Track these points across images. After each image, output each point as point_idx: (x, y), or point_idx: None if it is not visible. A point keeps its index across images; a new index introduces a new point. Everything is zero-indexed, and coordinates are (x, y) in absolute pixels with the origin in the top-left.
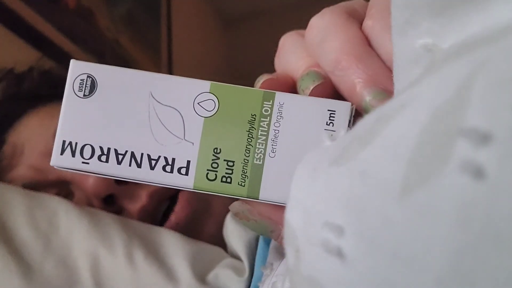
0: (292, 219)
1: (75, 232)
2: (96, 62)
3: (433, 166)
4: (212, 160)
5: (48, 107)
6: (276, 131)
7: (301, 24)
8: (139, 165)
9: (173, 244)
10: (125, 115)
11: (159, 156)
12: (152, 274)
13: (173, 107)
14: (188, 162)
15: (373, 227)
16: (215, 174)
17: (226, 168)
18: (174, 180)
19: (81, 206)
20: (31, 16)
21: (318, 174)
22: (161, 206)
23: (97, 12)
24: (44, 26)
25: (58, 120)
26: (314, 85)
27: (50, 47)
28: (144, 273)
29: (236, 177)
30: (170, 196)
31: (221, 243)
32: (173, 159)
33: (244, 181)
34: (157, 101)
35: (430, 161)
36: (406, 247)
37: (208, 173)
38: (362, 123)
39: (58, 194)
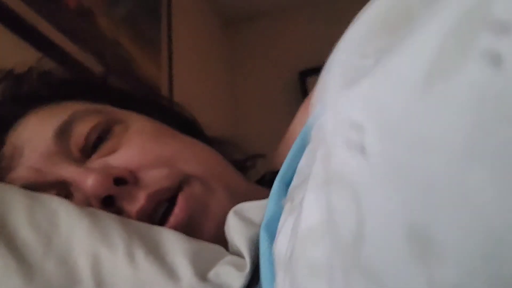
0: (325, 123)
1: (76, 232)
2: (96, 62)
3: (456, 58)
4: None
5: (48, 108)
6: None
7: (301, 25)
8: None
9: (173, 243)
10: None
11: None
12: (153, 272)
13: None
14: None
15: (393, 120)
16: None
17: None
18: None
19: (81, 206)
20: (31, 16)
21: (348, 80)
22: (160, 208)
23: (98, 13)
24: (45, 26)
25: (59, 118)
26: None
27: (50, 47)
28: (145, 271)
29: None
30: (168, 197)
31: (220, 244)
32: None
33: None
34: None
35: (454, 54)
36: (425, 133)
37: None
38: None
39: (57, 195)
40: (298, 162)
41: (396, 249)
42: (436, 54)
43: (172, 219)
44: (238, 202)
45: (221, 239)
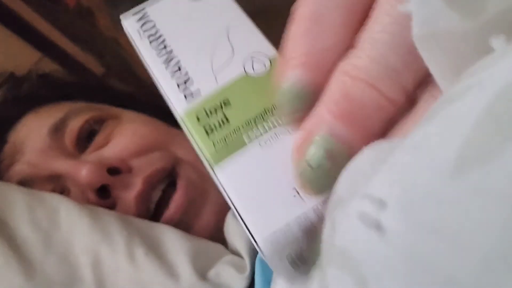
0: (340, 187)
1: (76, 230)
2: (96, 61)
3: (493, 144)
4: (215, 106)
5: (47, 108)
6: (287, 133)
7: None
8: (167, 64)
9: (173, 241)
10: (202, 17)
11: (183, 68)
12: (153, 270)
13: (232, 47)
14: (198, 91)
15: (419, 203)
16: (205, 119)
17: (218, 121)
18: (172, 94)
19: (81, 204)
20: (30, 15)
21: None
22: (157, 190)
23: (97, 12)
24: (43, 26)
25: (55, 116)
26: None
27: (50, 47)
28: (145, 269)
29: (217, 135)
30: (164, 177)
31: (220, 234)
32: (189, 79)
33: (219, 144)
34: (227, 35)
35: (490, 139)
36: (453, 225)
37: (201, 112)
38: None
39: (53, 190)
40: None
41: None
42: (470, 134)
43: (173, 205)
44: None
45: (220, 228)
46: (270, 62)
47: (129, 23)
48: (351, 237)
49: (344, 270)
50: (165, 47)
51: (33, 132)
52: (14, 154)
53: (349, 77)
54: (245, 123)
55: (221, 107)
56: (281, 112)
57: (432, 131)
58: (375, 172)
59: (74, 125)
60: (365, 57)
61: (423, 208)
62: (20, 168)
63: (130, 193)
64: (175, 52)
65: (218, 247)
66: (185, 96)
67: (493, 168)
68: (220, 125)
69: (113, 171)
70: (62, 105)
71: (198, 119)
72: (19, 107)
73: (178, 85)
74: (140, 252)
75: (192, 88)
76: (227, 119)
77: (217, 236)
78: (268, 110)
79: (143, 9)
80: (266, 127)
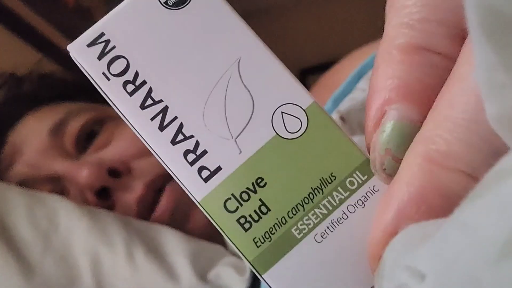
0: (387, 257)
1: (75, 231)
2: None
3: None
4: (246, 188)
5: (47, 108)
6: (344, 217)
7: (302, 23)
8: (162, 127)
9: (173, 242)
10: (194, 55)
11: (192, 136)
12: (153, 272)
13: (250, 94)
14: (218, 168)
15: (457, 282)
16: (236, 207)
17: (255, 211)
18: (186, 175)
19: (81, 205)
20: (29, 14)
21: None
22: (159, 196)
23: (96, 11)
24: (42, 25)
25: (55, 117)
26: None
27: (48, 46)
28: (145, 271)
29: (258, 230)
30: (165, 181)
31: (218, 235)
32: (204, 152)
33: (263, 242)
34: (239, 73)
35: None
36: None
37: (229, 199)
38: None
39: (52, 191)
40: None
41: None
42: None
43: (159, 208)
44: None
45: (216, 231)
46: (307, 116)
47: (87, 61)
48: None
49: None
50: (149, 93)
51: (33, 133)
52: (14, 154)
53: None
54: (292, 210)
55: (254, 189)
56: (376, 163)
57: (483, 209)
58: (419, 245)
59: (74, 126)
60: (451, 139)
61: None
62: (19, 169)
63: (131, 195)
64: (167, 102)
65: (218, 248)
66: (201, 177)
67: None
68: (258, 216)
69: (113, 172)
70: (62, 106)
71: (226, 209)
72: (19, 107)
73: (186, 159)
74: (139, 253)
75: (208, 162)
76: (266, 206)
77: (216, 237)
78: (318, 188)
79: (101, 34)
80: (319, 213)
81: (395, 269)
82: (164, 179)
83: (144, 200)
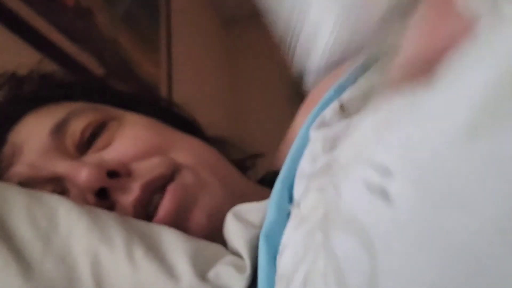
0: (341, 153)
1: (75, 230)
2: (95, 61)
3: (503, 113)
4: None
5: (47, 108)
6: None
7: None
8: None
9: (173, 242)
10: None
11: None
12: (153, 271)
13: None
14: None
15: (428, 172)
16: None
17: None
18: None
19: (80, 205)
20: (29, 15)
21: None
22: (155, 198)
23: (96, 12)
24: (43, 26)
25: (56, 117)
26: None
27: (49, 47)
28: (144, 270)
29: None
30: (163, 183)
31: (217, 237)
32: None
33: None
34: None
35: (500, 108)
36: (463, 194)
37: None
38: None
39: (53, 191)
40: (298, 164)
41: None
42: (481, 105)
43: (161, 210)
44: (236, 198)
45: (217, 232)
46: None
47: None
48: (357, 204)
49: (350, 233)
50: None
51: (33, 133)
52: (14, 154)
53: None
54: None
55: None
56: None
57: (444, 98)
58: (379, 138)
59: (76, 127)
60: None
61: (433, 178)
62: (20, 169)
63: (128, 197)
64: None
65: (218, 247)
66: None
67: (502, 139)
68: None
69: (112, 174)
70: (63, 106)
71: None
72: (20, 107)
73: None
74: (139, 253)
75: None
76: None
77: (215, 238)
78: None
79: None
80: None
81: (356, 164)
82: (164, 180)
83: (140, 202)
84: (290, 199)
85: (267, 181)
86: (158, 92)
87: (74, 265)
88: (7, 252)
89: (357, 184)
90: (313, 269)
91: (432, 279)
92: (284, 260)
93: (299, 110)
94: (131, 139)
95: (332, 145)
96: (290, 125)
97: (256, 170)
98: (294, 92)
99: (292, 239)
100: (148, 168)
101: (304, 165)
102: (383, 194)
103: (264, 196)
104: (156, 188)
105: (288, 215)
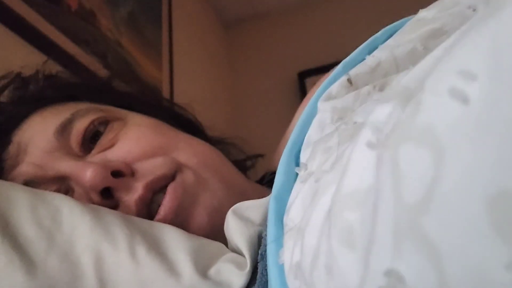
0: (421, 69)
1: (78, 228)
2: (98, 63)
3: None
4: None
5: (52, 108)
6: None
7: (300, 26)
8: None
9: (174, 239)
10: None
11: None
12: (154, 268)
13: None
14: None
15: (510, 72)
16: None
17: None
18: None
19: (84, 203)
20: (33, 17)
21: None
22: (158, 197)
23: (99, 14)
24: (47, 28)
25: (61, 117)
26: None
27: (52, 49)
28: (147, 267)
29: None
30: (165, 186)
31: (218, 235)
32: None
33: None
34: None
35: None
36: None
37: None
38: None
39: (58, 190)
40: (305, 132)
41: (471, 220)
42: None
43: (162, 208)
44: (236, 197)
45: (218, 230)
46: None
47: None
48: (437, 112)
49: (422, 145)
50: None
51: (38, 133)
52: (19, 154)
53: None
54: None
55: None
56: None
57: None
58: (463, 44)
59: (80, 126)
60: None
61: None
62: (25, 168)
63: (131, 196)
64: None
65: (219, 245)
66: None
67: None
68: None
69: (117, 173)
70: (68, 106)
71: None
72: (25, 107)
73: None
74: (141, 250)
75: None
76: None
77: (216, 236)
78: None
79: None
80: None
81: (442, 74)
82: (167, 180)
83: (143, 201)
84: (298, 165)
85: (266, 181)
86: (160, 93)
87: (77, 262)
88: (11, 250)
89: (443, 93)
90: (349, 187)
91: (497, 179)
92: (292, 214)
93: (298, 109)
94: (134, 140)
95: (341, 115)
96: (288, 125)
97: (255, 170)
98: (293, 92)
99: (300, 192)
100: (151, 168)
101: (312, 133)
102: (464, 98)
103: (264, 195)
104: (158, 187)
105: (295, 178)
